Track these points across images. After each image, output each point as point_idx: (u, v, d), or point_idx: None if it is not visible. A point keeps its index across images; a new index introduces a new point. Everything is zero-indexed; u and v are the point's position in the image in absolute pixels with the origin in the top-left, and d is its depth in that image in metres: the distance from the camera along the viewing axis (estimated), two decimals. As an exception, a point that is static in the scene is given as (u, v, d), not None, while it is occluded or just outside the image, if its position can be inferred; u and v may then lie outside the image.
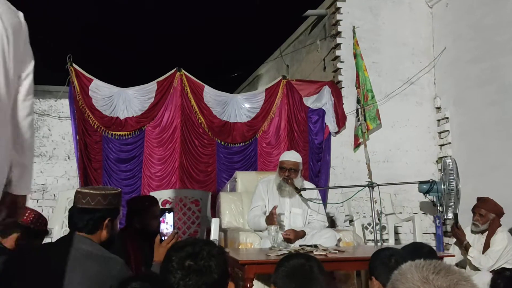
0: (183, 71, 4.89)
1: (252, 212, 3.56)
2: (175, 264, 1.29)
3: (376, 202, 4.35)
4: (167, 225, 2.36)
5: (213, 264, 1.28)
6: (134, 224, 2.66)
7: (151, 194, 3.99)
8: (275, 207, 3.27)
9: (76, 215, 1.80)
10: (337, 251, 2.84)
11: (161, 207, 3.17)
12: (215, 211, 4.09)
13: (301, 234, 3.33)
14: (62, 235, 2.09)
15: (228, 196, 3.98)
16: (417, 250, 1.75)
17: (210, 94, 4.93)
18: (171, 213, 2.40)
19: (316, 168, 5.13)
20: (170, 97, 4.82)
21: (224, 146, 4.93)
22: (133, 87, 4.75)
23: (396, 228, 5.05)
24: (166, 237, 2.23)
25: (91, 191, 1.82)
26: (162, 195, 3.97)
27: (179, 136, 4.78)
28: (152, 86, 4.78)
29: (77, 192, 1.85)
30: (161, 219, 2.39)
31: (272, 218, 3.24)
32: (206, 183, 4.81)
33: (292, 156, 3.54)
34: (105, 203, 1.82)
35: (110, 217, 1.84)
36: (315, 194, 3.62)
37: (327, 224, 3.62)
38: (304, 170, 5.18)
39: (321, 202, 3.64)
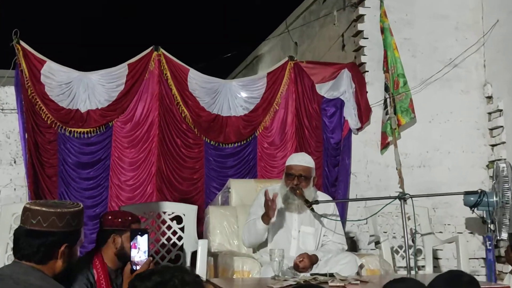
0: (161, 50, 4.90)
1: (247, 225, 3.58)
2: None
3: (409, 218, 4.32)
4: (139, 251, 2.39)
5: None
6: (109, 246, 2.68)
7: (122, 208, 3.99)
8: (275, 195, 3.31)
9: (24, 239, 1.78)
10: (358, 282, 2.84)
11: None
12: (203, 231, 4.10)
13: (314, 260, 3.35)
14: (5, 263, 2.09)
15: (220, 211, 3.98)
16: (454, 280, 1.75)
17: (197, 80, 4.94)
18: (145, 236, 2.41)
19: (333, 175, 5.15)
20: (145, 84, 4.83)
21: (214, 147, 4.95)
22: (97, 71, 4.75)
23: (435, 252, 5.05)
24: (138, 267, 2.23)
25: (44, 208, 1.81)
26: (135, 210, 3.93)
27: (157, 134, 4.79)
28: (121, 69, 4.79)
29: (25, 209, 1.83)
30: (131, 243, 2.41)
31: (270, 206, 3.28)
32: (191, 194, 4.82)
33: (302, 160, 3.56)
34: (61, 225, 1.80)
35: (67, 242, 1.83)
36: (331, 208, 3.64)
37: (346, 247, 3.64)
38: (317, 177, 5.20)
39: (338, 218, 3.66)
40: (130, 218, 2.74)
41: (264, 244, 3.56)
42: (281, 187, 3.57)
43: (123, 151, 4.76)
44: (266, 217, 3.37)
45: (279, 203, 3.54)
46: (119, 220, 2.69)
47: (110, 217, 2.71)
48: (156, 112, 4.82)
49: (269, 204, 3.31)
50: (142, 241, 2.41)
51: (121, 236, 2.64)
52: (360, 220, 4.68)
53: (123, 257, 2.59)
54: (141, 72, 4.83)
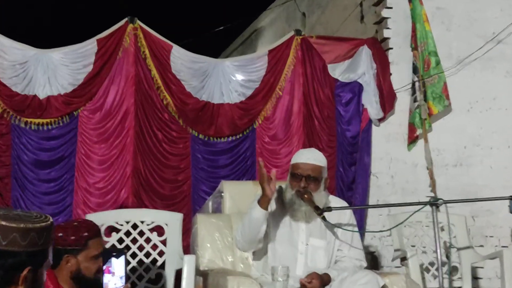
0: (138, 23, 4.90)
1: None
2: None
3: (443, 229, 4.30)
4: (114, 276, 2.38)
5: None
6: (62, 267, 2.67)
7: (88, 217, 3.95)
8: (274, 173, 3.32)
9: (-25, 261, 1.77)
10: None
11: (104, 244, 3.15)
12: (190, 244, 4.10)
13: (325, 281, 3.34)
14: None
15: (210, 220, 3.96)
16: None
17: (182, 60, 4.95)
18: (121, 258, 2.41)
19: (349, 176, 5.16)
20: (118, 64, 4.84)
21: (203, 142, 4.96)
22: (60, 48, 4.75)
23: (474, 270, 5.03)
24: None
25: (3, 223, 1.77)
26: (105, 219, 3.92)
27: (132, 126, 4.80)
28: (89, 46, 4.79)
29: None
30: (104, 267, 2.40)
31: (267, 179, 3.25)
32: (175, 200, 4.84)
33: (311, 157, 3.53)
34: (24, 244, 1.77)
35: (31, 265, 1.79)
36: (347, 217, 3.62)
37: (365, 264, 3.62)
38: (329, 179, 5.21)
39: (356, 229, 3.65)
40: (86, 234, 2.70)
41: (263, 258, 3.56)
42: (285, 190, 3.54)
43: (92, 147, 4.76)
44: (263, 199, 3.32)
45: (283, 211, 3.52)
46: (72, 237, 2.67)
47: (61, 234, 2.68)
48: (132, 99, 4.82)
49: (265, 177, 3.26)
50: (117, 265, 2.40)
51: (76, 256, 2.64)
52: (382, 231, 4.70)
53: (81, 279, 2.61)
54: (113, 50, 4.83)
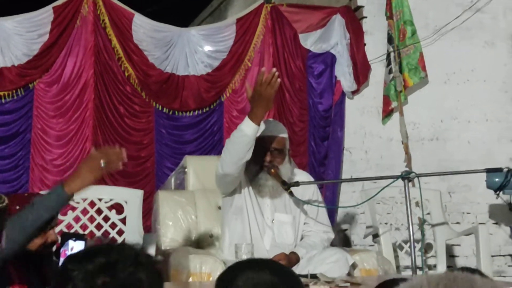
0: (97, -11, 4.85)
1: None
2: (78, 283, 1.27)
3: (417, 205, 4.27)
4: None
5: (143, 276, 1.30)
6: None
7: (44, 193, 3.90)
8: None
9: None
10: (348, 284, 2.83)
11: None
12: (151, 222, 4.10)
13: (293, 261, 3.35)
14: None
15: (172, 197, 3.96)
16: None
17: (144, 29, 4.90)
18: (80, 243, 2.48)
19: (322, 151, 5.18)
20: (76, 34, 4.79)
21: (167, 116, 4.95)
22: (12, 17, 4.67)
23: (450, 247, 5.05)
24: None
25: None
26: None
27: (92, 99, 4.76)
28: (45, 14, 4.71)
29: None
30: (61, 250, 2.44)
31: (269, 83, 3.08)
32: (138, 177, 4.82)
33: (274, 129, 3.49)
34: None
35: None
36: (311, 191, 3.62)
37: (332, 236, 3.64)
38: (301, 154, 5.23)
39: (322, 204, 3.65)
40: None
41: (226, 235, 3.55)
42: (248, 166, 3.48)
43: (48, 121, 4.72)
44: (258, 110, 3.16)
45: (248, 188, 3.50)
46: None
47: (18, 207, 2.59)
48: (91, 70, 4.78)
49: (264, 81, 3.08)
50: (76, 249, 2.44)
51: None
52: (353, 206, 4.67)
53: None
54: (71, 18, 4.77)
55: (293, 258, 3.35)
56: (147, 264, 1.33)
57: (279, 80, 3.14)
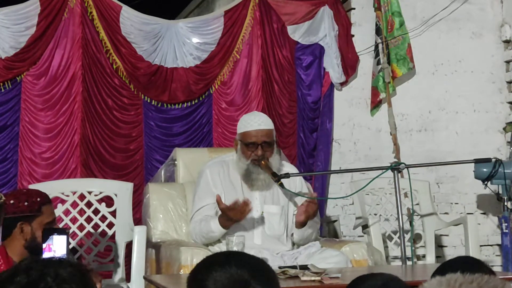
0: (84, -20, 4.81)
1: (197, 216, 3.57)
2: None
3: (406, 196, 4.33)
4: (55, 255, 2.39)
5: None
6: (16, 237, 2.68)
7: (32, 187, 3.92)
8: (247, 200, 3.33)
9: None
10: (339, 275, 2.85)
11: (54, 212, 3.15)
12: (141, 215, 4.11)
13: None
14: None
15: (162, 190, 3.97)
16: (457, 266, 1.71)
17: (132, 21, 4.88)
18: (63, 237, 2.45)
19: (310, 143, 5.20)
20: (64, 26, 4.76)
21: (156, 108, 4.94)
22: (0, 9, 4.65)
23: (438, 238, 5.09)
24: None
25: None
26: (50, 190, 3.80)
27: (80, 91, 4.73)
28: (32, 6, 4.69)
29: None
30: (45, 244, 2.43)
31: (241, 211, 3.28)
32: (127, 170, 4.81)
33: (261, 122, 3.55)
34: None
35: None
36: (297, 183, 3.68)
37: (318, 225, 3.72)
38: (290, 146, 5.27)
39: (308, 196, 3.63)
40: (39, 199, 2.73)
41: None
42: (238, 159, 3.57)
43: (37, 114, 4.69)
44: (228, 223, 3.37)
45: (236, 181, 3.59)
46: (26, 203, 2.69)
47: (12, 201, 2.69)
48: (79, 62, 4.75)
49: (244, 207, 3.28)
50: (58, 243, 2.44)
51: (31, 223, 2.66)
52: (342, 197, 4.71)
53: (36, 249, 2.59)
54: (58, 10, 4.74)
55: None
56: (71, 278, 1.33)
57: (250, 207, 3.30)
